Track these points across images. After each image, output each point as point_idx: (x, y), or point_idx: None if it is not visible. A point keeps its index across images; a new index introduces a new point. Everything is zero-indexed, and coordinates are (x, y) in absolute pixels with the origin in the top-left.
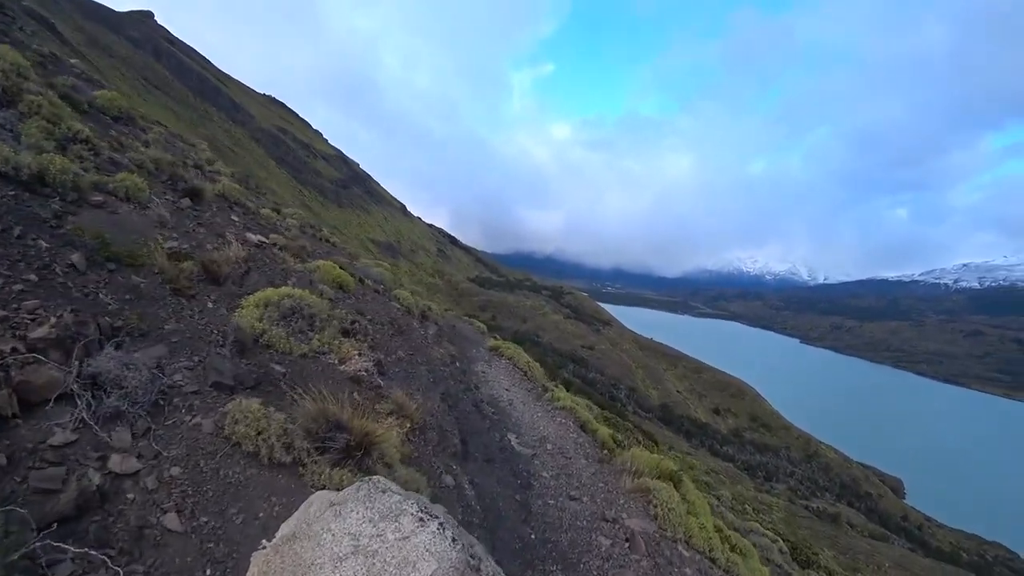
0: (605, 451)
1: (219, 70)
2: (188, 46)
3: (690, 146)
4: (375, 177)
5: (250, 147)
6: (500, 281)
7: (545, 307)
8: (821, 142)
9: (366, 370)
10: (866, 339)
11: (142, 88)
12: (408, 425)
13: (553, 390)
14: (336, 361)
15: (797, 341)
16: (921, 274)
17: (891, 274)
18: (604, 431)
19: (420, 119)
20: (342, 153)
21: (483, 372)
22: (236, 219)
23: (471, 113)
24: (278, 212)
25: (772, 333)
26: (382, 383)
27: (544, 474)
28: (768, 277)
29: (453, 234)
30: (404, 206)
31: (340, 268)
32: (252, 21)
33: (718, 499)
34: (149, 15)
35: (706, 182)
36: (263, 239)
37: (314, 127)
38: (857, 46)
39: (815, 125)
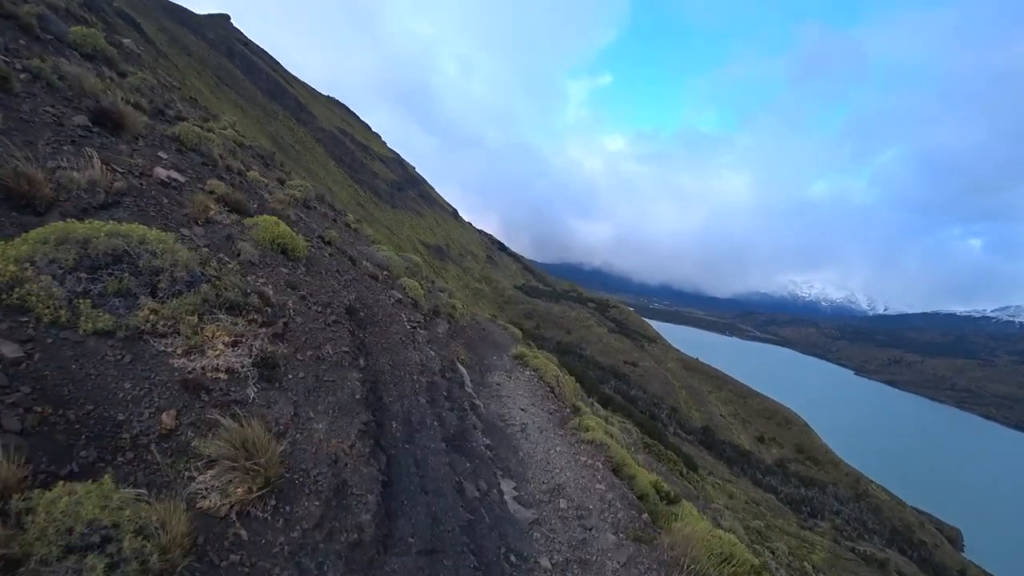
0: (647, 514)
1: (287, 71)
2: (260, 47)
3: (747, 164)
4: (429, 181)
5: (311, 146)
6: (546, 291)
7: (590, 319)
8: (888, 165)
9: (227, 370)
10: (927, 375)
11: (215, 86)
12: (248, 487)
13: (583, 415)
14: (178, 350)
15: (851, 372)
16: (994, 310)
17: (959, 308)
18: (645, 479)
19: (475, 125)
20: (399, 156)
21: (498, 385)
22: (165, 156)
23: (526, 121)
24: (281, 183)
25: (825, 362)
26: (254, 395)
27: (544, 562)
28: (823, 304)
29: (502, 241)
30: (456, 210)
31: (287, 226)
32: (317, 25)
33: (773, 553)
34: (226, 18)
35: (762, 202)
36: (177, 178)
37: (374, 130)
38: (933, 63)
39: (883, 147)
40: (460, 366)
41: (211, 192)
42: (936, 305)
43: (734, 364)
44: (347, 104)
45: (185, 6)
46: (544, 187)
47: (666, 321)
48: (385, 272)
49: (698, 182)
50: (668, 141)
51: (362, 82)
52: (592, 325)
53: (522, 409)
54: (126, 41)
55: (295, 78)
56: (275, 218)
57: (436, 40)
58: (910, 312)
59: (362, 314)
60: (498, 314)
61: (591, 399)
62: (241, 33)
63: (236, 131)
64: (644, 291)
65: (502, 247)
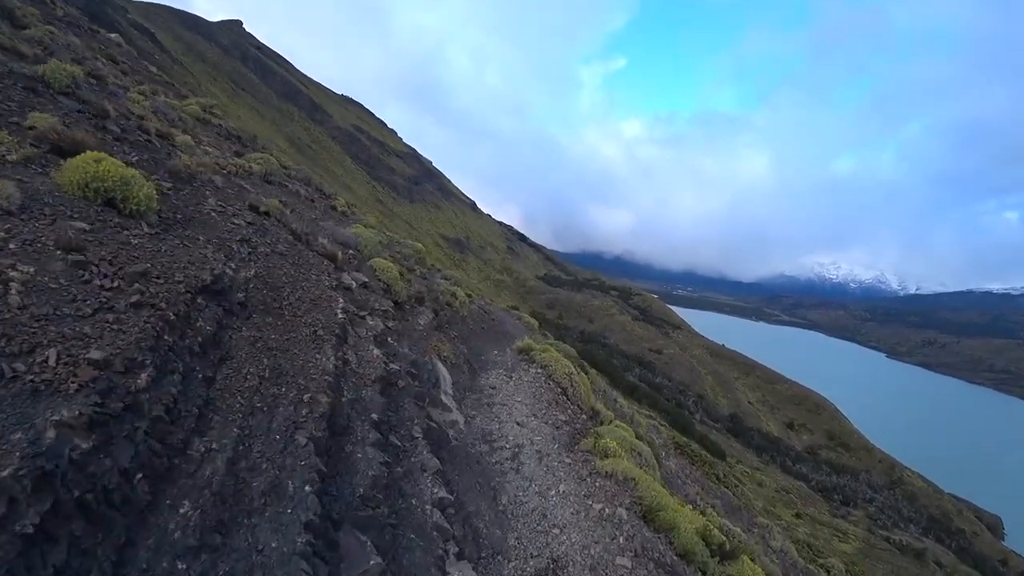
0: None
1: (300, 73)
2: (272, 51)
3: (768, 143)
4: (446, 174)
5: (328, 145)
6: (568, 280)
7: (613, 308)
8: (916, 137)
9: None
10: (963, 357)
11: (231, 90)
12: None
13: (601, 430)
14: None
15: (883, 355)
16: None
17: (996, 286)
18: (689, 525)
19: (490, 116)
20: (415, 151)
21: (492, 389)
22: None
23: (541, 110)
24: (239, 155)
25: (855, 345)
26: None
27: None
28: (852, 285)
29: (522, 231)
30: (474, 203)
31: (128, 168)
32: (326, 24)
33: (828, 572)
34: (238, 23)
35: (785, 181)
36: None
37: (389, 126)
38: (962, 27)
39: (910, 119)
40: (440, 366)
41: (30, 127)
42: (971, 283)
43: (761, 349)
44: (361, 102)
45: (198, 14)
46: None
47: (690, 308)
48: (350, 252)
49: (718, 164)
50: (686, 123)
51: (374, 79)
52: (615, 313)
53: (518, 423)
54: (113, 36)
55: (309, 79)
56: (99, 155)
57: (446, 33)
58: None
59: (241, 296)
60: (520, 304)
61: (615, 393)
62: (254, 38)
63: (211, 113)
64: (667, 278)
65: (522, 238)
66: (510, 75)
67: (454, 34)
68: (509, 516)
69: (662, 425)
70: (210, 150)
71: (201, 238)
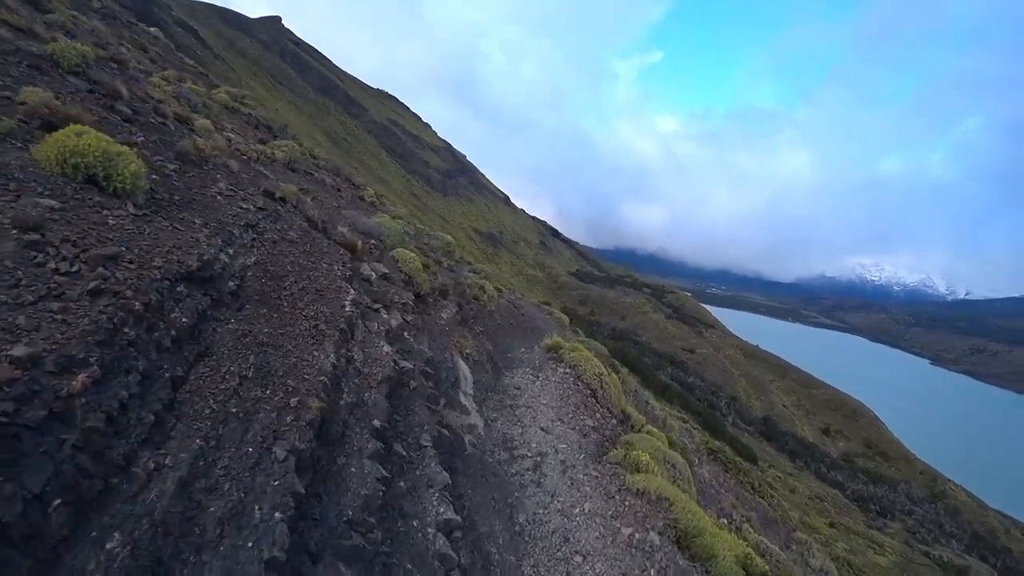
0: None
1: (337, 67)
2: (310, 46)
3: (810, 140)
4: (480, 168)
5: (363, 138)
6: (601, 276)
7: (645, 305)
8: (969, 135)
9: None
10: (1015, 366)
11: (269, 85)
12: None
13: (633, 439)
14: None
15: (927, 362)
16: None
17: None
18: (728, 552)
19: (525, 110)
20: (450, 145)
21: (517, 389)
22: None
23: (575, 104)
24: (263, 142)
25: (898, 351)
26: None
27: None
28: (896, 288)
29: (555, 227)
30: (507, 197)
31: (116, 144)
32: (364, 18)
33: None
34: (277, 19)
35: (827, 180)
36: None
37: (424, 120)
38: (1021, 16)
39: (963, 116)
40: (461, 364)
41: (21, 102)
42: None
43: (797, 352)
44: (397, 96)
45: (239, 11)
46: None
47: (725, 307)
48: (371, 241)
49: (756, 161)
50: (723, 119)
51: (410, 73)
52: (648, 311)
53: (543, 428)
54: (152, 29)
55: (345, 73)
56: (81, 127)
57: (483, 26)
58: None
59: (233, 285)
60: (552, 300)
61: (647, 394)
62: (292, 33)
63: (242, 103)
64: (701, 276)
65: (555, 233)
66: (545, 68)
67: (491, 27)
68: (526, 538)
69: (694, 428)
70: (232, 136)
71: (197, 221)
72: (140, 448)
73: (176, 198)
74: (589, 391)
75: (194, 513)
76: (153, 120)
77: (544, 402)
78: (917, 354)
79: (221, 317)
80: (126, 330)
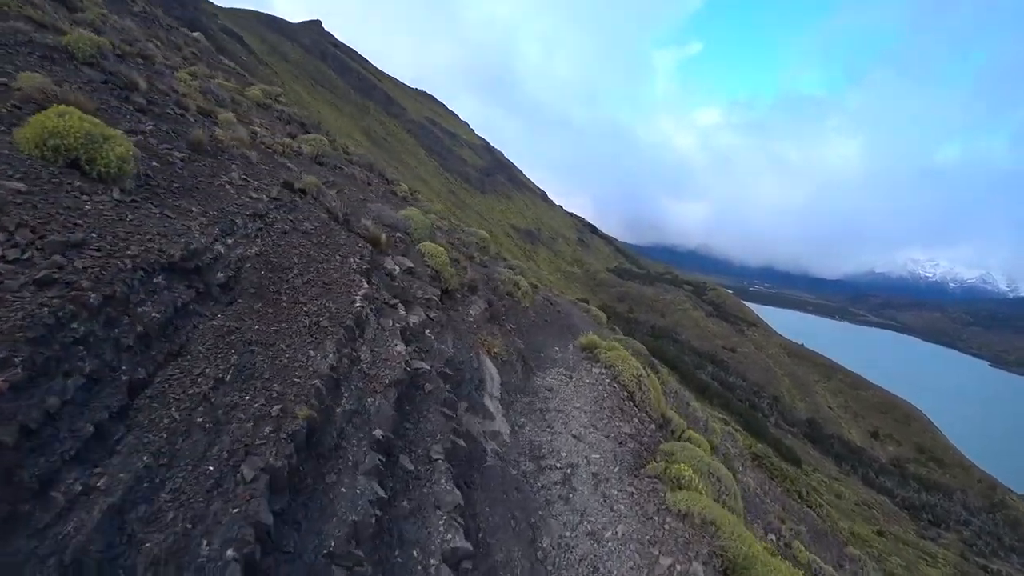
0: None
1: (376, 68)
2: (349, 48)
3: (860, 128)
4: (518, 165)
5: (402, 137)
6: (640, 273)
7: (686, 303)
8: None
9: None
10: None
11: (311, 87)
12: None
13: (673, 453)
14: None
15: (986, 363)
16: None
17: None
18: None
19: (561, 106)
20: (487, 142)
21: (548, 391)
22: None
23: (612, 98)
24: (292, 136)
25: (953, 351)
26: None
27: None
28: (952, 285)
29: (593, 223)
30: (545, 193)
31: (102, 125)
32: (400, 18)
33: None
34: (318, 23)
35: (879, 170)
36: None
37: (462, 118)
38: None
39: None
40: (488, 364)
41: (18, 88)
42: None
43: (845, 352)
44: (434, 95)
45: (281, 17)
46: (634, 166)
47: (768, 304)
48: (397, 235)
49: (803, 152)
50: (766, 108)
51: (447, 72)
52: (688, 308)
53: (574, 436)
54: (195, 34)
55: (384, 74)
56: (65, 108)
57: (516, 22)
58: None
59: (223, 277)
60: (590, 297)
61: (687, 395)
62: (332, 36)
63: (277, 100)
64: (744, 273)
65: (594, 229)
66: (581, 63)
67: (524, 23)
68: (549, 568)
69: (736, 430)
70: (258, 130)
71: (195, 210)
72: (66, 467)
73: (176, 186)
74: (626, 393)
75: (121, 551)
76: (171, 111)
77: (577, 406)
78: (975, 355)
79: (205, 312)
80: (74, 325)
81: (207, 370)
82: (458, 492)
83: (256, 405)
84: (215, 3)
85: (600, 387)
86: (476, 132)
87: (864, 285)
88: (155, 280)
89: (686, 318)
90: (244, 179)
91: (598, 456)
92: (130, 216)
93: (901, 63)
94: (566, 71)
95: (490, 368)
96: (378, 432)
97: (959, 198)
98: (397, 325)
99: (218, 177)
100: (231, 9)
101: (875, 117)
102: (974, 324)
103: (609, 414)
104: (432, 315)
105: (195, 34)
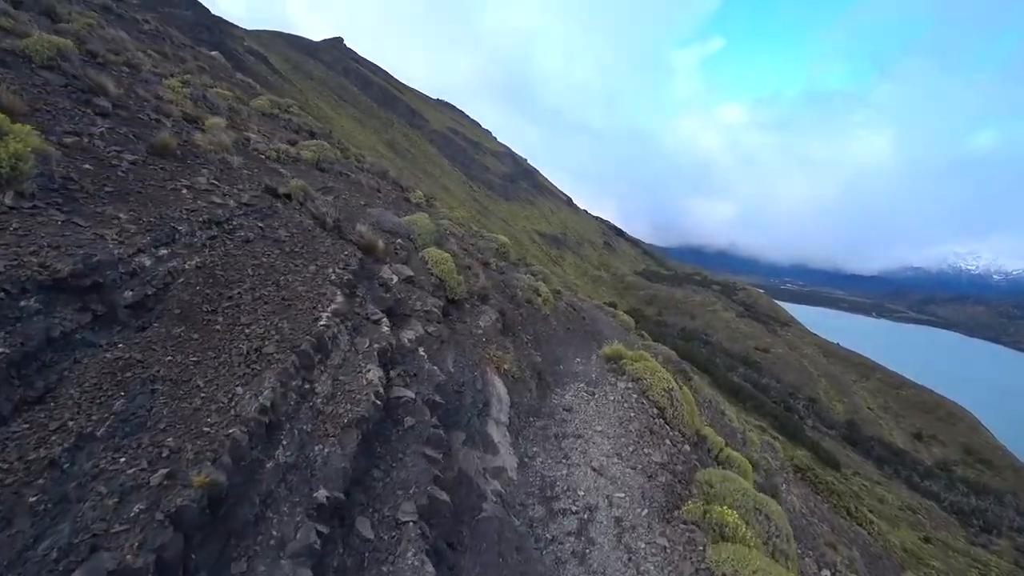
0: None
1: (398, 81)
2: (371, 63)
3: (889, 119)
4: (541, 171)
5: (425, 148)
6: (668, 275)
7: (716, 304)
8: None
9: None
10: None
11: (335, 103)
12: None
13: (712, 485)
14: None
15: None
16: None
17: None
18: None
19: (581, 111)
20: (509, 149)
21: (566, 411)
22: None
23: (634, 101)
24: (292, 144)
25: (1000, 347)
26: None
27: None
28: (996, 277)
29: (619, 226)
30: (570, 198)
31: None
32: (418, 31)
33: None
34: (340, 41)
35: (911, 161)
36: None
37: (484, 127)
38: None
39: None
40: (496, 383)
41: None
42: None
43: (883, 350)
44: (456, 105)
45: (304, 36)
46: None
47: (800, 303)
48: (397, 241)
49: (831, 147)
50: (791, 104)
51: (467, 82)
52: (718, 309)
53: (595, 468)
54: (213, 53)
55: (405, 86)
56: None
57: (534, 29)
58: None
59: (131, 296)
60: (618, 301)
61: (721, 401)
62: (354, 52)
63: (287, 111)
64: (774, 272)
65: (620, 233)
66: (600, 67)
67: (541, 30)
68: None
69: (775, 438)
70: (253, 136)
71: (122, 216)
72: None
73: (108, 190)
74: (656, 410)
75: None
76: (145, 116)
77: (599, 429)
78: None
79: (99, 341)
80: None
81: (72, 422)
82: (431, 569)
83: (131, 471)
84: (241, 27)
85: (626, 404)
86: (498, 139)
87: (901, 281)
88: (22, 303)
89: (716, 319)
90: (213, 184)
91: (623, 495)
92: (16, 224)
93: (929, 51)
94: (586, 76)
95: (498, 388)
96: (322, 493)
97: (998, 186)
98: (376, 345)
99: (176, 181)
100: (256, 31)
101: (904, 108)
102: (1021, 318)
103: (636, 438)
104: (431, 329)
105: (213, 53)
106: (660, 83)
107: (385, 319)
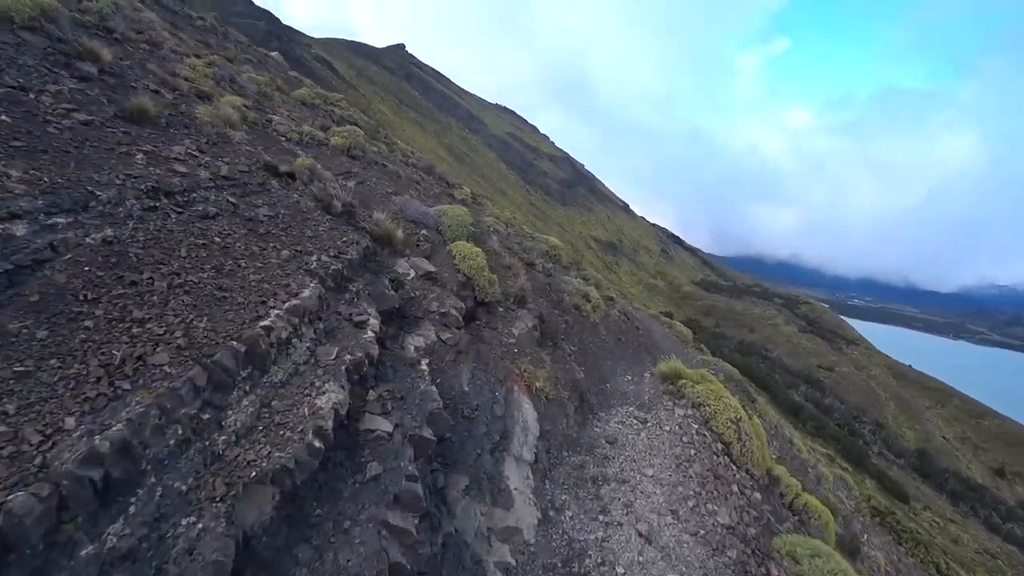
0: None
1: (457, 86)
2: (432, 68)
3: (973, 120)
4: (599, 176)
5: (483, 152)
6: (726, 286)
7: (776, 317)
8: None
9: None
10: None
11: (397, 107)
12: None
13: (798, 558)
14: None
15: None
16: None
17: None
18: None
19: (639, 114)
20: (567, 154)
21: (609, 444)
22: None
23: (693, 104)
24: (324, 129)
25: None
26: None
27: None
28: None
29: (677, 233)
30: (627, 205)
31: None
32: (476, 36)
33: None
34: (402, 47)
35: (998, 166)
36: None
37: (541, 131)
38: None
39: None
40: (523, 404)
41: None
42: None
43: (962, 374)
44: (515, 110)
45: (368, 43)
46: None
47: (869, 320)
48: (421, 232)
49: (907, 151)
50: (863, 106)
51: (524, 85)
52: (779, 323)
53: (642, 533)
54: (273, 54)
55: (464, 91)
56: None
57: (589, 31)
58: None
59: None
60: (674, 311)
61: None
62: (415, 58)
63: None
64: (841, 286)
65: (677, 240)
66: (659, 69)
67: (597, 32)
68: None
69: (843, 468)
70: (275, 117)
71: (13, 174)
72: None
73: (16, 144)
74: (721, 445)
75: None
76: (137, 85)
77: (650, 473)
78: None
79: None
80: None
81: None
82: None
83: None
84: (309, 35)
85: (685, 438)
86: (556, 144)
87: (985, 299)
88: None
89: (777, 333)
90: (191, 154)
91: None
92: None
93: (1019, 42)
94: (644, 78)
95: (525, 413)
96: None
97: None
98: (348, 356)
99: (134, 147)
100: (323, 39)
101: (990, 107)
102: None
103: (698, 487)
104: (446, 336)
105: (273, 54)
106: (721, 85)
107: (375, 321)
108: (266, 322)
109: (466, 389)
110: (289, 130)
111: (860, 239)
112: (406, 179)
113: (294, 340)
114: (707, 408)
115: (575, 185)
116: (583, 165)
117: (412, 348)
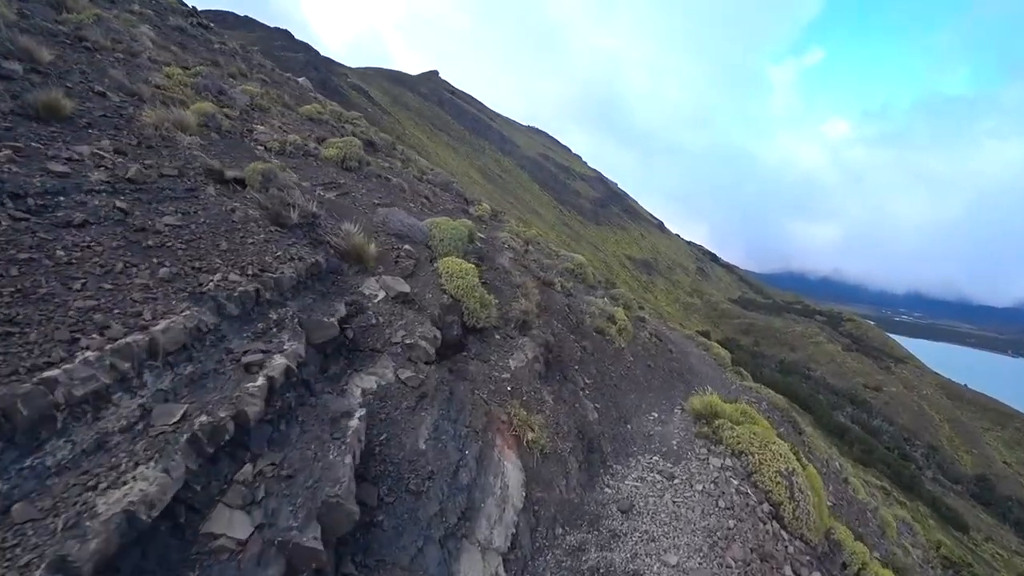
0: None
1: (489, 109)
2: (464, 93)
3: (1021, 126)
4: (632, 195)
5: (516, 173)
6: (765, 303)
7: (819, 335)
8: None
9: None
10: None
11: (431, 132)
12: None
13: None
14: None
15: None
16: None
17: None
18: None
19: (672, 131)
20: (600, 174)
21: (622, 515)
22: None
23: (727, 120)
24: (320, 141)
25: None
26: None
27: None
28: None
29: (713, 251)
30: (662, 223)
31: None
32: (508, 59)
33: None
34: (435, 73)
35: None
36: None
37: (574, 151)
38: None
39: None
40: (505, 466)
41: None
42: None
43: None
44: (547, 131)
45: (402, 70)
46: (755, 189)
47: (917, 337)
48: (405, 247)
49: (952, 160)
50: (904, 116)
51: (556, 107)
52: (822, 341)
53: None
54: (301, 79)
55: (497, 114)
56: None
57: (620, 50)
58: None
59: None
60: (712, 330)
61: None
62: (448, 84)
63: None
64: (886, 301)
65: (714, 258)
66: (691, 86)
67: (629, 51)
68: None
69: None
70: (259, 127)
71: None
72: None
73: None
74: (769, 508)
75: None
76: (71, 85)
77: (673, 561)
78: None
79: None
80: None
81: None
82: None
83: None
84: (346, 64)
85: (722, 501)
86: (588, 164)
87: None
88: None
89: (820, 352)
90: (98, 154)
91: None
92: None
93: None
94: (675, 96)
95: (507, 475)
96: None
97: None
98: (199, 420)
99: (3, 142)
100: (359, 68)
101: None
102: None
103: (742, 571)
104: (405, 376)
105: (300, 79)
106: (755, 99)
107: (282, 361)
108: (55, 371)
109: (422, 448)
110: (270, 140)
111: (905, 252)
112: (411, 193)
113: (117, 395)
114: (750, 458)
115: (608, 204)
116: (616, 184)
117: (357, 392)
